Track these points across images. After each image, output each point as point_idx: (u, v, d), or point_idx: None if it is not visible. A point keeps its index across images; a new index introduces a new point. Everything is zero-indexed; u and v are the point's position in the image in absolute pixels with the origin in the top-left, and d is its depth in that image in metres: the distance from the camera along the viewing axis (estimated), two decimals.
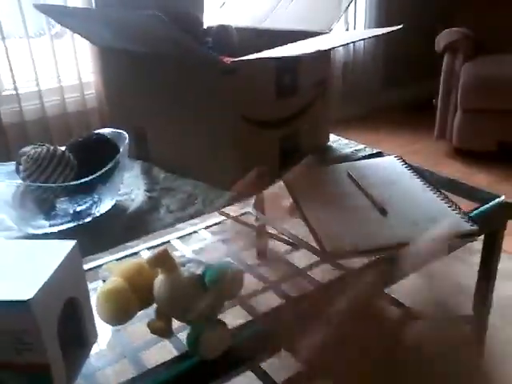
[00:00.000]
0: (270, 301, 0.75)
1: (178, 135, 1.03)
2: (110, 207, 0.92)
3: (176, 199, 0.97)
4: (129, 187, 1.01)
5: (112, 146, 0.92)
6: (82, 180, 0.82)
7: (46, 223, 0.85)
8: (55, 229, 0.86)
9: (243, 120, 0.96)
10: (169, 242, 1.19)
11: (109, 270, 0.69)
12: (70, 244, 0.56)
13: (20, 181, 0.85)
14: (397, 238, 0.79)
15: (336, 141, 1.23)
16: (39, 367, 0.49)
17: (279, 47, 0.93)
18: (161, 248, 0.64)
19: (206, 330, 0.59)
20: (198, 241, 1.20)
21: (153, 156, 1.10)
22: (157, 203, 0.96)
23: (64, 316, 0.53)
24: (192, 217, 0.92)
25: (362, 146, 1.19)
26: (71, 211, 0.86)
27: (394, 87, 3.02)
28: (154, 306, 0.66)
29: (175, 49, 0.90)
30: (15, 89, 1.80)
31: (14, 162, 0.90)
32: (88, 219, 0.88)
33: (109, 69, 1.12)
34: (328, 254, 0.75)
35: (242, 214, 1.24)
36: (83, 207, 0.87)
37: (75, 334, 0.55)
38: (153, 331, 0.63)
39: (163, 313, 0.64)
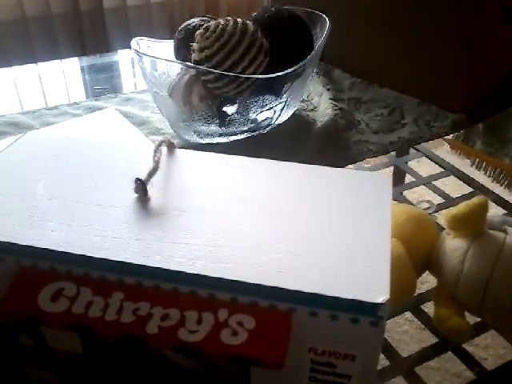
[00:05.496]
0: None
1: (379, 29, 0.74)
2: (288, 116, 0.67)
3: (374, 115, 0.70)
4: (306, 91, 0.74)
5: (306, 31, 0.64)
6: (285, 71, 0.56)
7: (217, 130, 0.60)
8: (225, 139, 0.61)
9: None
10: None
11: None
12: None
13: (184, 64, 0.58)
14: None
15: None
16: None
17: None
18: (472, 201, 0.38)
19: None
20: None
21: (330, 52, 0.82)
22: (351, 118, 0.69)
23: None
24: (409, 142, 0.65)
25: None
26: (253, 116, 0.61)
27: None
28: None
29: None
30: None
31: (170, 40, 0.65)
32: (266, 130, 0.63)
33: None
34: None
35: None
36: (267, 113, 0.61)
37: None
38: (451, 330, 0.38)
39: (454, 299, 0.40)
